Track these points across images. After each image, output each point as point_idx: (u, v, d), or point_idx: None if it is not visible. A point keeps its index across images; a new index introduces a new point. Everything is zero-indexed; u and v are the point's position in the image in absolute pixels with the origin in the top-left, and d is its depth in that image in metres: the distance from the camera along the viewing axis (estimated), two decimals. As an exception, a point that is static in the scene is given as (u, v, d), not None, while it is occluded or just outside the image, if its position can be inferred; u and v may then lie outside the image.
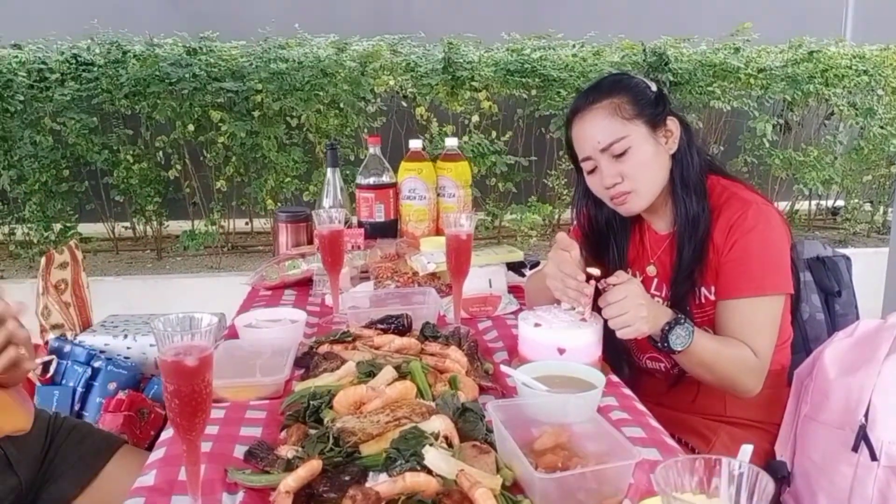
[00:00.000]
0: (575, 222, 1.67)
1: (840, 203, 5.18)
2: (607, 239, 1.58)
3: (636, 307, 1.27)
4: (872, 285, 2.50)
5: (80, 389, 2.02)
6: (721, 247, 1.42)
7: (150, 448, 1.94)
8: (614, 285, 1.29)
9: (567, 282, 1.35)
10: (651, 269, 1.54)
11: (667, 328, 1.31)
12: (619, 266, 1.55)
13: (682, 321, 1.31)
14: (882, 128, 4.72)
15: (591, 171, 1.46)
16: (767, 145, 4.61)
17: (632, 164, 1.41)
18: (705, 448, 1.44)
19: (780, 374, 1.51)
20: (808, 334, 1.63)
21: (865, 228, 5.07)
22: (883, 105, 4.73)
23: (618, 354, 1.56)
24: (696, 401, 1.50)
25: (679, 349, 1.31)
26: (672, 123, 1.45)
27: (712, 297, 1.45)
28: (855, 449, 1.28)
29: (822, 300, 1.67)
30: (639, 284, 1.31)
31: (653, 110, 1.43)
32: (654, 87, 1.46)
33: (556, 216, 4.69)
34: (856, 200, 5.03)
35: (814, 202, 5.24)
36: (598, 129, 1.42)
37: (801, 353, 1.57)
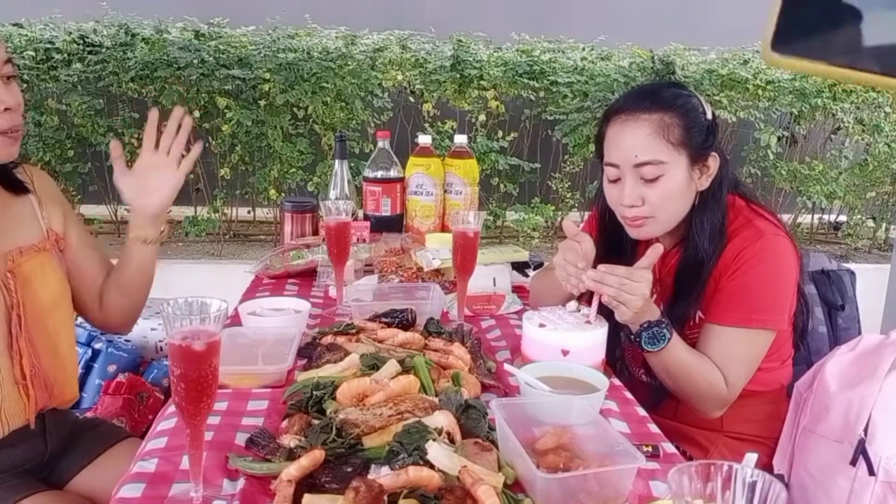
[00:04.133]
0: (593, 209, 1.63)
1: (843, 218, 5.17)
2: (620, 231, 1.50)
3: (640, 297, 1.27)
4: (872, 301, 2.50)
5: (79, 370, 2.01)
6: (725, 271, 1.38)
7: (146, 432, 1.95)
8: (644, 268, 1.29)
9: (568, 269, 1.35)
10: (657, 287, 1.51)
11: (645, 325, 1.31)
12: (628, 264, 1.52)
13: (662, 326, 1.30)
14: (888, 145, 4.71)
15: (614, 181, 1.39)
16: (772, 157, 4.61)
17: (658, 192, 1.34)
18: (703, 457, 1.44)
19: (779, 392, 1.51)
20: (810, 347, 1.63)
21: (867, 244, 5.07)
22: (890, 122, 4.72)
23: (613, 364, 1.55)
24: (682, 412, 1.47)
25: (647, 349, 1.32)
26: (713, 161, 1.38)
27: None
28: (853, 463, 1.29)
29: (825, 313, 1.67)
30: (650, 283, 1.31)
31: (700, 142, 1.35)
32: (709, 115, 1.38)
33: (559, 218, 4.68)
34: (858, 216, 5.03)
35: (816, 216, 5.24)
36: (638, 143, 1.33)
37: (802, 365, 1.57)
